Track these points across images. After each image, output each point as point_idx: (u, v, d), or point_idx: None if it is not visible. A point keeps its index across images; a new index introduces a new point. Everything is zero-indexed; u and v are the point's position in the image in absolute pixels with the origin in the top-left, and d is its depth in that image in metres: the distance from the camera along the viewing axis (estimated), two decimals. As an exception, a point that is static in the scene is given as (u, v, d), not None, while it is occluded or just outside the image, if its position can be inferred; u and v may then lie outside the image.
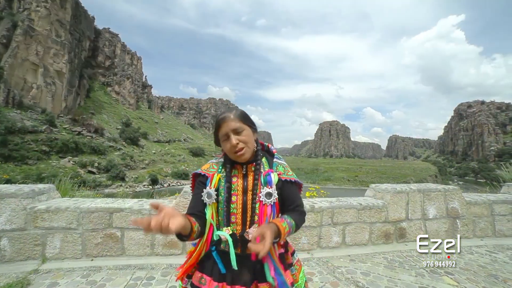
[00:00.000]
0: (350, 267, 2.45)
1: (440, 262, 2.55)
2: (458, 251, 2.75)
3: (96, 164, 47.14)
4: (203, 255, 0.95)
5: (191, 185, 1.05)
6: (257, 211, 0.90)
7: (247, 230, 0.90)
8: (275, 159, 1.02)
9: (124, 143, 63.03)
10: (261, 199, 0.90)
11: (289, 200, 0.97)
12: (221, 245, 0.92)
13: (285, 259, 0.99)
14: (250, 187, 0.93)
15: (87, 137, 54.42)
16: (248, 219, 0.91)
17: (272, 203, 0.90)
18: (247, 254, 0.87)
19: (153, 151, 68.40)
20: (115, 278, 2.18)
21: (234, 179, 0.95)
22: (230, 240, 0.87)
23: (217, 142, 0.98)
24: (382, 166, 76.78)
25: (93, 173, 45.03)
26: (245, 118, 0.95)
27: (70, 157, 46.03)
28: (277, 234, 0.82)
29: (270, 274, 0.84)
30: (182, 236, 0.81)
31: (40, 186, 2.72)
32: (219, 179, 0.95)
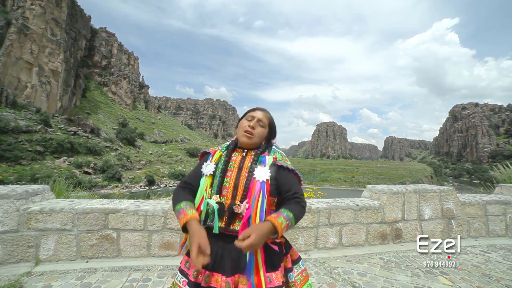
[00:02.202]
0: (347, 268, 2.46)
1: (435, 262, 2.58)
2: (458, 251, 2.79)
3: (92, 165, 46.55)
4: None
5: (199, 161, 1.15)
6: (248, 187, 0.94)
7: (237, 203, 0.92)
8: (273, 147, 1.10)
9: (120, 143, 62.40)
10: (254, 176, 0.94)
11: (285, 187, 0.96)
12: (208, 221, 0.94)
13: (279, 257, 0.94)
14: (246, 165, 1.00)
15: (83, 137, 53.74)
16: (238, 193, 0.95)
17: (263, 180, 0.93)
18: (233, 235, 0.89)
19: (150, 152, 67.86)
20: (110, 280, 2.15)
21: (233, 158, 1.04)
22: (215, 206, 0.92)
23: (240, 120, 1.12)
24: (378, 167, 77.44)
25: (89, 173, 44.46)
26: (271, 123, 1.12)
27: (65, 158, 45.38)
28: (273, 230, 0.82)
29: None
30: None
31: (34, 187, 2.67)
32: (220, 155, 1.06)
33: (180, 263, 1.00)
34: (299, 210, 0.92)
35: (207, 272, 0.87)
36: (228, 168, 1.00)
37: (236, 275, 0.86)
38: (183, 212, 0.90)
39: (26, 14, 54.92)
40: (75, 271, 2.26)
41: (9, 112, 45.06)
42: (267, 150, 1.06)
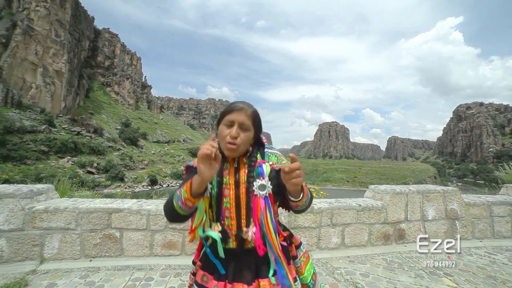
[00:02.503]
0: (349, 268, 2.45)
1: (439, 263, 2.56)
2: (458, 250, 2.76)
3: (95, 164, 47.00)
4: (203, 254, 0.94)
5: (184, 175, 0.99)
6: (251, 205, 0.87)
7: (245, 230, 0.87)
8: (266, 149, 0.98)
9: (123, 143, 62.88)
10: (254, 192, 0.86)
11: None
12: (208, 242, 0.90)
13: (288, 252, 0.96)
14: (242, 180, 0.89)
15: (86, 137, 54.27)
16: (243, 212, 0.88)
17: (266, 195, 0.86)
18: (246, 250, 0.88)
19: (153, 152, 68.28)
20: (113, 279, 2.17)
21: (225, 172, 0.92)
22: (218, 239, 0.85)
23: (218, 123, 0.93)
24: (381, 167, 76.91)
25: (92, 173, 44.89)
26: (256, 120, 0.92)
27: (69, 157, 45.89)
28: (300, 190, 0.83)
29: (273, 266, 0.85)
30: (194, 195, 0.80)
31: (39, 186, 2.71)
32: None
33: (195, 276, 0.95)
34: (310, 192, 0.92)
35: (228, 285, 0.86)
36: (224, 186, 0.90)
37: (256, 281, 0.86)
38: (181, 186, 0.83)
39: (31, 15, 55.65)
40: (79, 269, 2.29)
41: (15, 112, 45.71)
42: (259, 154, 0.94)
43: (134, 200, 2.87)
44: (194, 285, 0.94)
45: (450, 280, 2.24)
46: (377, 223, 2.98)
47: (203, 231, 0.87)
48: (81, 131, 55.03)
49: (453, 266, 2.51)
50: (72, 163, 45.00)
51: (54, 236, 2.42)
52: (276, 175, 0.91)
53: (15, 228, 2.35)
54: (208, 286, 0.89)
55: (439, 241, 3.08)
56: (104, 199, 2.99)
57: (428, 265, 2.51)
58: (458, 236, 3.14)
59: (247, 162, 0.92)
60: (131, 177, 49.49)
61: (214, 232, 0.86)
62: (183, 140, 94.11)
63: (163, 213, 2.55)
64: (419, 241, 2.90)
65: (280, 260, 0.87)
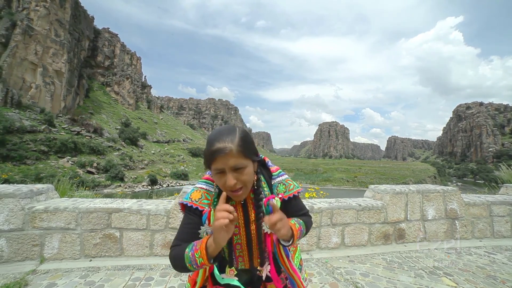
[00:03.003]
0: (349, 268, 2.45)
1: (439, 263, 2.56)
2: (458, 250, 2.77)
3: (95, 164, 46.98)
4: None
5: (181, 210, 0.90)
6: (263, 244, 0.86)
7: (259, 268, 0.88)
8: (273, 180, 0.92)
9: (123, 143, 62.86)
10: (265, 230, 0.83)
11: (294, 212, 0.95)
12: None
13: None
14: (252, 218, 0.85)
15: (86, 137, 54.24)
16: (255, 253, 0.88)
17: None
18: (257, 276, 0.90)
19: (152, 152, 68.26)
20: (113, 279, 2.17)
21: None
22: (239, 284, 0.82)
23: (209, 167, 0.79)
24: (381, 167, 76.92)
25: (92, 173, 44.87)
26: (248, 151, 0.76)
27: (69, 157, 45.86)
28: (291, 233, 0.81)
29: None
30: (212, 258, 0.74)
31: (39, 186, 2.71)
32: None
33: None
34: (308, 221, 0.94)
35: None
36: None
37: (262, 284, 0.89)
38: (194, 248, 0.75)
39: (31, 15, 55.59)
40: (79, 269, 2.29)
41: (14, 112, 45.67)
42: (266, 184, 0.89)
43: (134, 200, 2.87)
44: None
45: (450, 279, 2.25)
46: (377, 223, 2.98)
47: (221, 278, 0.82)
48: (81, 131, 54.99)
49: (452, 265, 2.52)
50: (72, 163, 44.97)
51: (54, 236, 2.42)
52: (284, 205, 0.90)
53: (15, 228, 2.35)
54: None
55: (439, 240, 3.09)
56: (104, 199, 2.99)
57: (427, 265, 2.51)
58: (458, 235, 3.15)
59: (254, 198, 0.85)
60: (131, 177, 49.48)
61: (231, 278, 0.82)
62: (183, 140, 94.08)
63: (163, 213, 2.56)
64: (419, 241, 2.91)
65: (294, 281, 0.90)
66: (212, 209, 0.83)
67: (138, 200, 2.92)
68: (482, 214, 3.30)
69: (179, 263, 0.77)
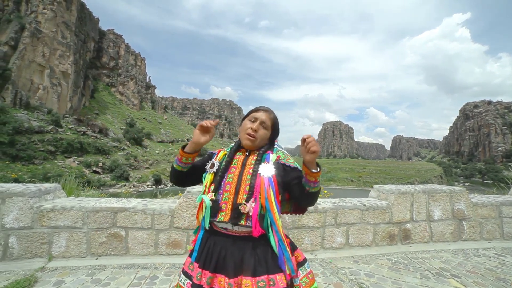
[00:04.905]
0: (354, 268, 2.43)
1: (446, 264, 2.51)
2: (466, 252, 2.71)
3: (100, 164, 47.71)
4: (198, 240, 0.96)
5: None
6: (253, 182, 0.92)
7: (241, 202, 0.88)
8: (276, 146, 1.11)
9: (128, 143, 63.65)
10: (259, 172, 0.94)
11: (292, 179, 0.95)
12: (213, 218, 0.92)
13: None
14: (249, 162, 1.00)
15: (92, 137, 55.11)
16: (242, 188, 0.92)
17: (269, 176, 0.92)
18: (236, 235, 0.89)
19: (157, 151, 68.93)
20: (119, 277, 2.20)
21: (236, 155, 1.05)
22: (208, 205, 0.91)
23: (243, 120, 1.09)
24: (386, 167, 75.98)
25: (98, 173, 45.59)
26: (275, 124, 1.08)
27: (75, 157, 46.69)
28: (316, 164, 0.87)
29: (274, 243, 0.87)
30: (186, 155, 1.00)
31: (46, 185, 2.76)
32: (224, 154, 1.07)
33: (184, 264, 0.99)
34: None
35: (209, 274, 0.85)
36: (231, 165, 1.01)
37: (239, 277, 0.83)
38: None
39: (39, 18, 56.74)
40: (85, 267, 2.33)
41: (23, 113, 46.72)
42: (269, 150, 1.06)
43: (139, 200, 2.90)
44: (181, 273, 0.97)
45: (458, 281, 2.20)
46: (382, 223, 2.95)
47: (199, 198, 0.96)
48: (86, 131, 55.90)
49: (460, 267, 2.47)
50: (78, 162, 45.77)
51: (61, 235, 2.46)
52: (283, 173, 0.97)
53: (24, 226, 2.41)
54: (192, 274, 0.91)
55: (446, 241, 3.03)
56: (110, 198, 3.03)
57: (434, 266, 2.47)
58: (465, 236, 3.09)
59: (257, 152, 1.03)
60: (136, 177, 50.08)
61: (206, 197, 0.93)
62: (187, 140, 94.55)
63: (167, 212, 2.59)
64: (425, 242, 2.86)
65: (283, 242, 0.88)
66: (223, 151, 1.09)
67: (143, 199, 2.95)
68: (491, 215, 3.23)
69: (171, 170, 1.07)
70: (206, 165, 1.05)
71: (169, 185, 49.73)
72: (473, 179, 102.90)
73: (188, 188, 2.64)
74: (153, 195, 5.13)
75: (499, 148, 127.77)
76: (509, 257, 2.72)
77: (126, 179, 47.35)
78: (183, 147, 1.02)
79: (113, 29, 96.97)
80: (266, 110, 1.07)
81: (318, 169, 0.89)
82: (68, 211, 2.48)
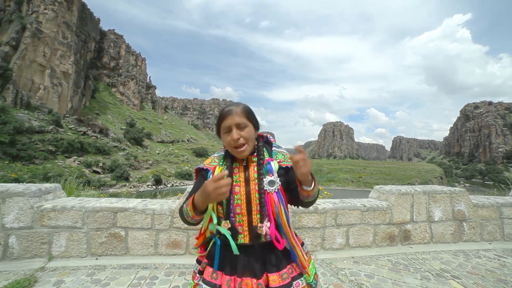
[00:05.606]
0: (354, 269, 2.42)
1: (447, 265, 2.51)
2: (466, 253, 2.70)
3: (100, 164, 47.75)
4: (211, 250, 0.95)
5: (194, 179, 1.05)
6: (264, 200, 0.89)
7: (259, 225, 0.88)
8: (273, 148, 1.03)
9: (128, 143, 63.71)
10: (265, 188, 0.89)
11: (295, 182, 0.95)
12: (217, 235, 0.92)
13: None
14: (252, 177, 0.93)
15: (92, 137, 55.17)
16: (254, 208, 0.90)
17: (277, 190, 0.89)
18: (258, 245, 0.90)
19: (157, 152, 68.97)
20: (119, 277, 2.20)
21: (235, 171, 0.95)
22: (229, 236, 0.87)
23: (219, 134, 0.98)
24: (386, 168, 75.90)
25: (98, 173, 45.61)
26: (249, 115, 0.95)
27: (76, 157, 46.74)
28: (311, 178, 0.85)
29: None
30: (196, 210, 0.86)
31: (47, 185, 2.77)
32: (221, 171, 0.93)
33: (202, 273, 0.95)
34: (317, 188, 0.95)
35: (238, 279, 0.87)
36: (234, 183, 0.92)
37: (264, 274, 0.88)
38: (187, 202, 0.90)
39: (40, 18, 56.89)
40: (85, 267, 2.32)
41: (24, 113, 46.80)
42: (267, 152, 0.98)
43: (139, 200, 2.90)
44: (202, 283, 0.93)
45: (458, 283, 2.20)
46: (382, 224, 2.95)
47: (214, 227, 0.91)
48: (87, 131, 55.96)
49: (460, 268, 2.46)
50: (79, 162, 45.81)
51: (61, 234, 2.47)
52: (284, 173, 0.95)
53: (24, 226, 2.41)
54: (218, 283, 0.89)
55: (446, 242, 3.03)
56: (110, 198, 3.03)
57: (434, 267, 2.46)
58: (466, 237, 3.08)
59: (256, 160, 0.95)
60: (136, 177, 50.10)
61: (224, 229, 0.88)
62: (187, 140, 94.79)
63: (167, 212, 2.59)
64: (425, 242, 2.85)
65: (295, 250, 0.91)
66: (218, 167, 0.97)
67: (143, 199, 2.96)
68: (492, 216, 3.22)
69: (181, 216, 0.94)
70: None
71: (169, 185, 49.80)
72: (474, 180, 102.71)
73: (189, 188, 2.64)
74: (153, 195, 5.13)
75: (500, 149, 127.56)
76: (510, 259, 2.71)
77: (126, 179, 47.37)
78: (189, 202, 0.88)
79: (113, 29, 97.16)
80: (231, 111, 0.92)
81: (312, 186, 0.85)
82: (68, 211, 2.48)
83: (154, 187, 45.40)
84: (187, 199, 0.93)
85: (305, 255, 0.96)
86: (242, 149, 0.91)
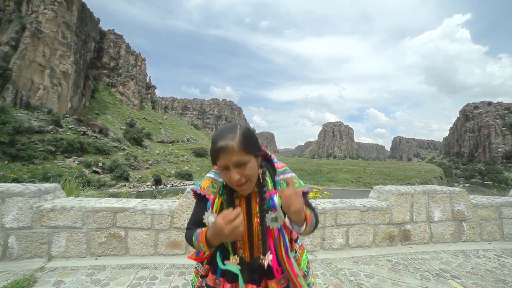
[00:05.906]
0: (354, 269, 2.42)
1: (446, 265, 2.51)
2: (466, 253, 2.70)
3: (100, 164, 47.70)
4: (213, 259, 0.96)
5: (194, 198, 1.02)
6: (266, 236, 0.88)
7: (262, 257, 0.88)
8: (277, 177, 0.92)
9: (128, 143, 63.67)
10: (267, 224, 0.83)
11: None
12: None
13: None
14: (254, 211, 0.88)
15: (92, 137, 55.12)
16: (255, 240, 0.90)
17: (279, 227, 0.85)
18: (258, 265, 0.90)
19: (157, 152, 68.93)
20: (118, 277, 2.19)
21: (236, 202, 0.89)
22: (239, 273, 0.84)
23: (215, 163, 0.84)
24: (386, 168, 75.94)
25: (98, 173, 45.57)
26: (249, 147, 0.79)
27: (75, 157, 46.69)
28: (303, 216, 0.81)
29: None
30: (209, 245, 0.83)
31: (46, 185, 2.76)
32: (221, 202, 0.88)
33: (205, 278, 0.97)
34: (316, 215, 0.92)
35: (239, 287, 0.89)
36: None
37: (263, 281, 0.90)
38: (198, 238, 0.85)
39: (39, 18, 56.83)
40: (85, 267, 2.32)
41: (23, 113, 46.75)
42: (270, 178, 0.90)
43: (139, 200, 2.90)
44: (205, 286, 0.96)
45: (457, 282, 2.20)
46: (382, 224, 2.95)
47: (223, 263, 0.87)
48: (87, 131, 55.91)
49: (460, 268, 2.47)
50: (78, 162, 45.76)
51: (61, 235, 2.46)
52: None
53: (24, 226, 2.41)
54: None
55: (446, 242, 3.03)
56: (109, 198, 3.03)
57: (434, 267, 2.47)
58: (465, 237, 3.09)
59: (258, 192, 0.88)
60: (136, 177, 50.07)
61: (234, 266, 0.85)
62: (187, 140, 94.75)
63: (167, 212, 2.59)
64: (425, 243, 2.85)
65: (292, 282, 0.91)
66: (217, 197, 0.89)
67: (142, 199, 2.95)
68: (491, 216, 3.23)
69: (190, 244, 0.90)
70: (200, 212, 0.88)
71: (169, 185, 49.78)
72: (473, 180, 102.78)
73: (189, 188, 2.64)
74: (153, 195, 5.13)
75: (499, 149, 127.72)
76: (509, 259, 2.71)
77: (126, 179, 47.33)
78: (202, 239, 0.83)
79: (113, 29, 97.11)
80: (226, 148, 0.76)
81: (303, 227, 0.81)
82: (68, 211, 2.48)
83: (154, 187, 45.34)
84: (190, 225, 0.92)
85: (301, 276, 0.95)
86: (244, 187, 0.82)
